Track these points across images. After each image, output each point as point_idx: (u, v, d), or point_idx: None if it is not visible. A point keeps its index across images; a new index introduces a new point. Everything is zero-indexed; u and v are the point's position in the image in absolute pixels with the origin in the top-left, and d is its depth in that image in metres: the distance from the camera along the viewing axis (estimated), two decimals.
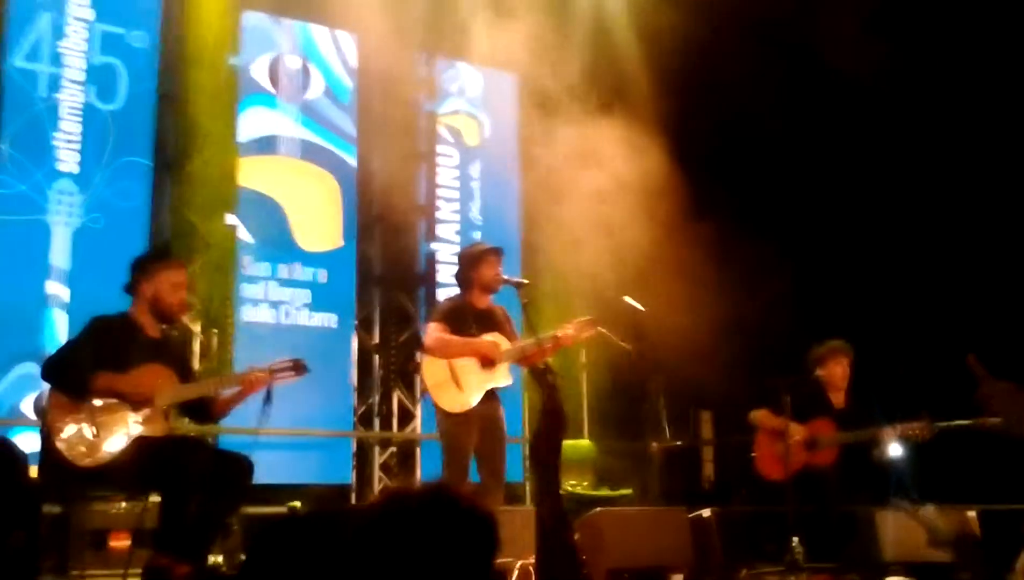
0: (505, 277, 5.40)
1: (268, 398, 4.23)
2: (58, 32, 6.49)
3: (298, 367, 4.33)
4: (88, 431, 3.87)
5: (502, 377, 5.25)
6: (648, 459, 6.22)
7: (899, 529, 5.06)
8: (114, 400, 3.97)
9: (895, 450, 5.68)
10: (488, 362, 5.16)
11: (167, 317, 4.32)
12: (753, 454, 5.89)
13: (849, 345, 5.91)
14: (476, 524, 1.75)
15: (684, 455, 8.09)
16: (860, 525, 5.23)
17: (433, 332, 5.25)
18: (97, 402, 3.94)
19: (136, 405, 3.98)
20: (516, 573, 3.79)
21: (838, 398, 5.89)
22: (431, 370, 5.25)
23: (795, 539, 5.22)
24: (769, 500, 5.93)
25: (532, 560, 3.93)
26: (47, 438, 3.89)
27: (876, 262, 7.61)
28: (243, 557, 4.49)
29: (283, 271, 7.19)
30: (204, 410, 4.38)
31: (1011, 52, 6.85)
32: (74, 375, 3.95)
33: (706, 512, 5.49)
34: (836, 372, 5.83)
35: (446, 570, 1.69)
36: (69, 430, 3.86)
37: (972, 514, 5.18)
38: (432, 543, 1.69)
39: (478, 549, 1.75)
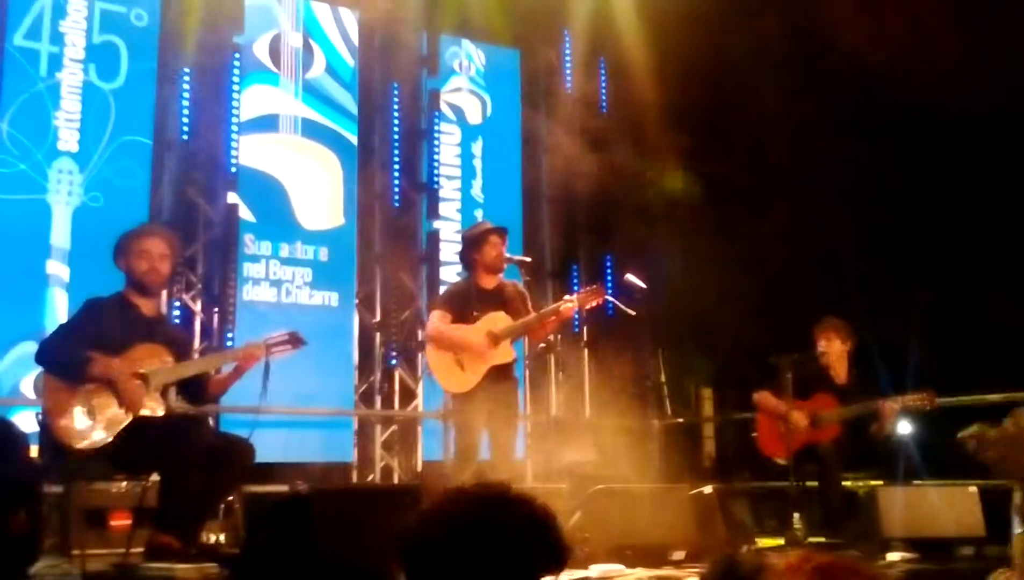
0: (507, 255, 5.42)
1: (267, 372, 4.21)
2: (59, 11, 6.45)
3: (294, 340, 4.30)
4: (84, 413, 3.87)
5: (504, 354, 5.28)
6: (649, 436, 6.22)
7: (901, 505, 5.07)
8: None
9: (900, 426, 5.69)
10: (481, 356, 5.17)
11: (142, 287, 4.24)
12: (754, 434, 5.91)
13: (843, 321, 5.93)
14: (545, 536, 1.75)
15: (685, 432, 8.11)
16: (861, 501, 5.25)
17: (432, 321, 5.35)
18: (92, 384, 3.93)
19: (127, 395, 3.96)
20: None
21: (839, 374, 5.91)
22: (434, 352, 5.32)
23: (796, 515, 5.24)
24: (771, 477, 5.96)
25: None
26: (45, 419, 3.89)
27: (881, 237, 7.58)
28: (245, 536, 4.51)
29: (284, 249, 7.17)
30: (201, 389, 4.36)
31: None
32: (68, 360, 3.93)
33: (708, 489, 5.50)
34: (832, 348, 5.86)
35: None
36: (65, 413, 3.86)
37: (973, 490, 5.19)
38: (499, 552, 1.71)
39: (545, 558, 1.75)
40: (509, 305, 5.33)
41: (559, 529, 1.77)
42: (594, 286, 5.45)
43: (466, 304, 5.29)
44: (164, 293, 6.23)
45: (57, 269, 6.18)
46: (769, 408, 5.78)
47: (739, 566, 2.21)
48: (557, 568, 1.78)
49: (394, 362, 7.72)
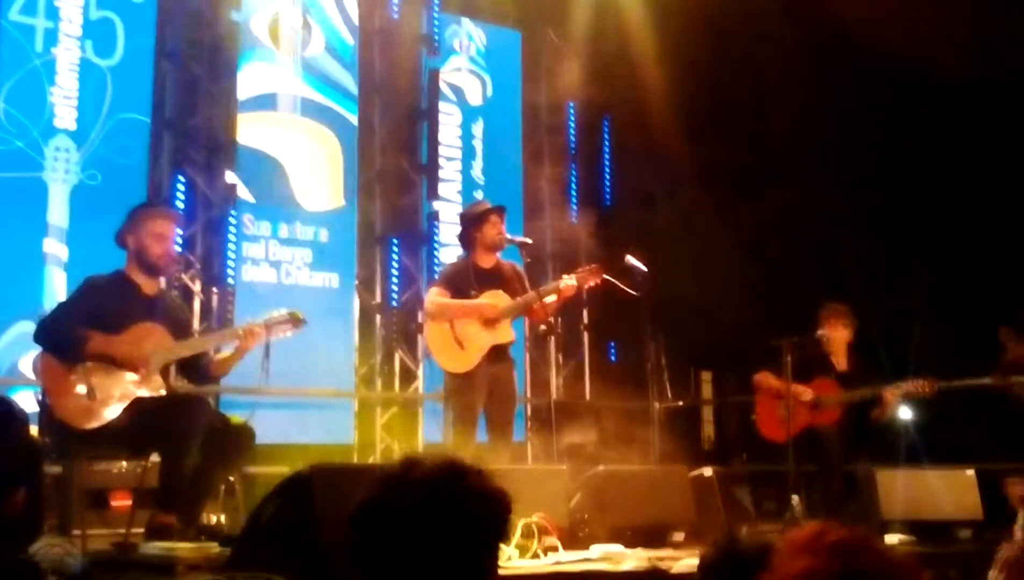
0: (508, 236, 5.41)
1: (267, 353, 4.20)
2: None
3: (295, 320, 4.29)
4: (84, 393, 3.86)
5: (504, 334, 5.27)
6: (649, 419, 6.22)
7: (899, 488, 5.08)
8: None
9: (902, 412, 5.70)
10: (488, 321, 5.17)
11: (153, 269, 4.25)
12: (754, 416, 5.91)
13: (850, 308, 5.92)
14: (488, 507, 1.72)
15: (685, 415, 8.12)
16: (860, 483, 5.26)
17: (432, 296, 5.32)
18: (91, 363, 3.92)
19: (129, 369, 3.96)
20: (519, 531, 3.81)
21: (840, 359, 5.90)
22: (433, 333, 5.31)
23: (795, 497, 5.25)
24: (770, 460, 5.97)
25: (535, 518, 3.94)
26: (45, 399, 3.88)
27: (880, 220, 7.57)
28: (245, 516, 4.50)
29: (284, 230, 7.14)
30: (202, 370, 4.35)
31: None
32: (66, 339, 3.92)
33: (707, 471, 5.51)
34: (837, 334, 5.84)
35: (451, 549, 1.67)
36: (65, 392, 3.85)
37: (971, 473, 5.20)
38: (440, 522, 1.66)
39: (486, 532, 1.72)
40: (507, 284, 5.32)
41: (509, 504, 1.75)
42: (592, 265, 5.45)
43: (465, 283, 5.28)
44: None
45: (54, 248, 6.14)
46: (770, 388, 5.77)
47: (739, 546, 2.20)
48: (501, 543, 1.77)
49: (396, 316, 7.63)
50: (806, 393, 5.67)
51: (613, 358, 8.54)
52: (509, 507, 1.75)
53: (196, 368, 4.38)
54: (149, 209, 4.36)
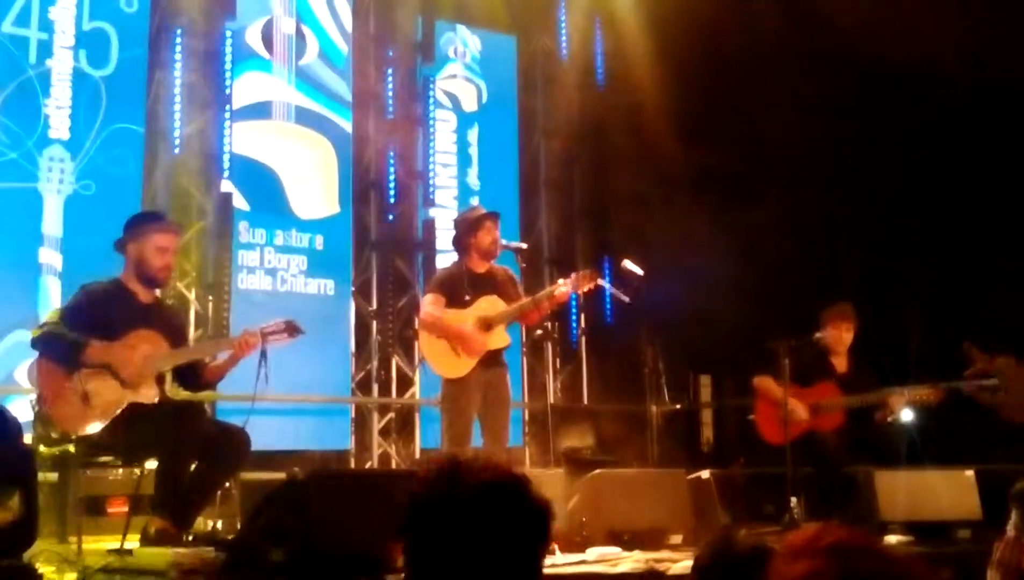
0: (504, 242, 5.41)
1: (263, 361, 4.19)
2: None
3: (291, 329, 4.29)
4: (80, 399, 3.86)
5: (500, 339, 5.26)
6: (647, 422, 6.21)
7: (898, 488, 5.07)
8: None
9: (904, 415, 5.67)
10: (483, 326, 5.15)
11: (151, 281, 4.27)
12: (753, 417, 5.87)
13: (853, 308, 5.86)
14: (536, 512, 1.72)
15: (683, 418, 8.11)
16: (859, 485, 5.24)
17: (426, 306, 5.31)
18: (87, 369, 3.92)
19: (125, 375, 3.97)
20: None
21: (840, 362, 5.86)
22: (428, 338, 5.29)
23: (794, 500, 5.24)
24: (769, 462, 5.95)
25: None
26: (40, 406, 3.88)
27: (878, 222, 7.56)
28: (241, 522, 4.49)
29: (279, 237, 7.14)
30: (197, 376, 4.35)
31: None
32: (63, 344, 3.92)
33: (705, 474, 5.50)
34: (838, 336, 5.78)
35: (502, 552, 1.67)
36: (60, 398, 3.85)
37: (970, 473, 5.19)
38: (493, 525, 1.66)
39: (534, 537, 1.72)
40: (501, 289, 5.32)
41: (552, 511, 1.76)
42: (588, 270, 5.44)
43: (459, 288, 5.27)
44: None
45: (49, 257, 6.15)
46: (769, 394, 5.72)
47: (732, 547, 2.19)
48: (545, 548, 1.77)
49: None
50: (802, 411, 5.61)
51: (610, 362, 8.52)
52: (553, 514, 1.75)
53: (191, 375, 4.37)
54: (153, 222, 4.36)
